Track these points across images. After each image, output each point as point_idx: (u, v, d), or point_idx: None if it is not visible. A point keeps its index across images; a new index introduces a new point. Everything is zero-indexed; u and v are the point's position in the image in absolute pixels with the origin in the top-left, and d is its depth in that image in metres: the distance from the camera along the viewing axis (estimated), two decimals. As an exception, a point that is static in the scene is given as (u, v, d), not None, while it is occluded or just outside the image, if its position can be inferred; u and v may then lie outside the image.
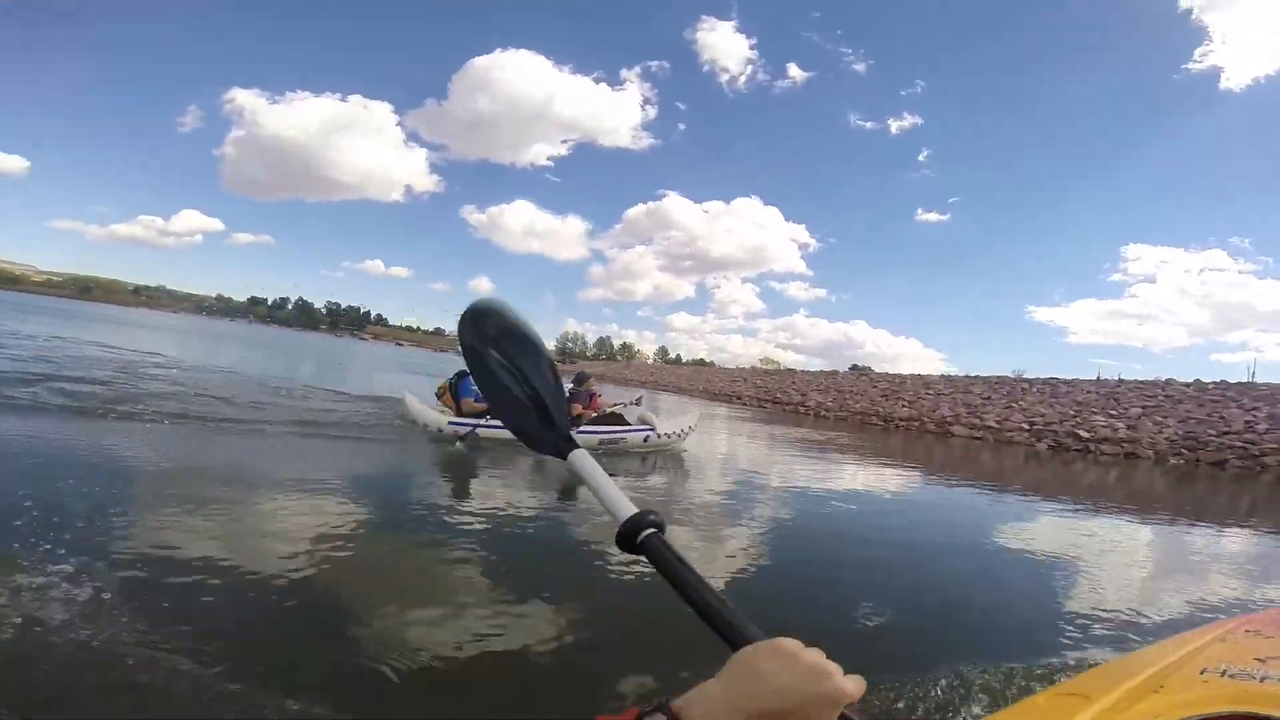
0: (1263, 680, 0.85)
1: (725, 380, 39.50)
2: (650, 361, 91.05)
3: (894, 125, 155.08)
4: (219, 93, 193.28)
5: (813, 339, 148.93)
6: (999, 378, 24.71)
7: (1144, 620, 3.02)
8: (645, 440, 7.03)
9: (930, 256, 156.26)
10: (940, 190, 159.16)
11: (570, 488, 4.87)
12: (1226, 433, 13.71)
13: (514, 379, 0.62)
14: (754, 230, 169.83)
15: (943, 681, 2.00)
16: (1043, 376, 23.14)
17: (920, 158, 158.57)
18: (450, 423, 6.26)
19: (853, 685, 0.38)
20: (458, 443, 5.96)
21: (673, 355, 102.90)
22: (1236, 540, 5.78)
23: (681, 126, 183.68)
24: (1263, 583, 4.14)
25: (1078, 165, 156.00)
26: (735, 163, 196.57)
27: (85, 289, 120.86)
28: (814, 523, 4.68)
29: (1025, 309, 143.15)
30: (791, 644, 0.38)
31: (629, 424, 7.07)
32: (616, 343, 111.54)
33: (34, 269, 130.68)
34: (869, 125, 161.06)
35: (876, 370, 36.53)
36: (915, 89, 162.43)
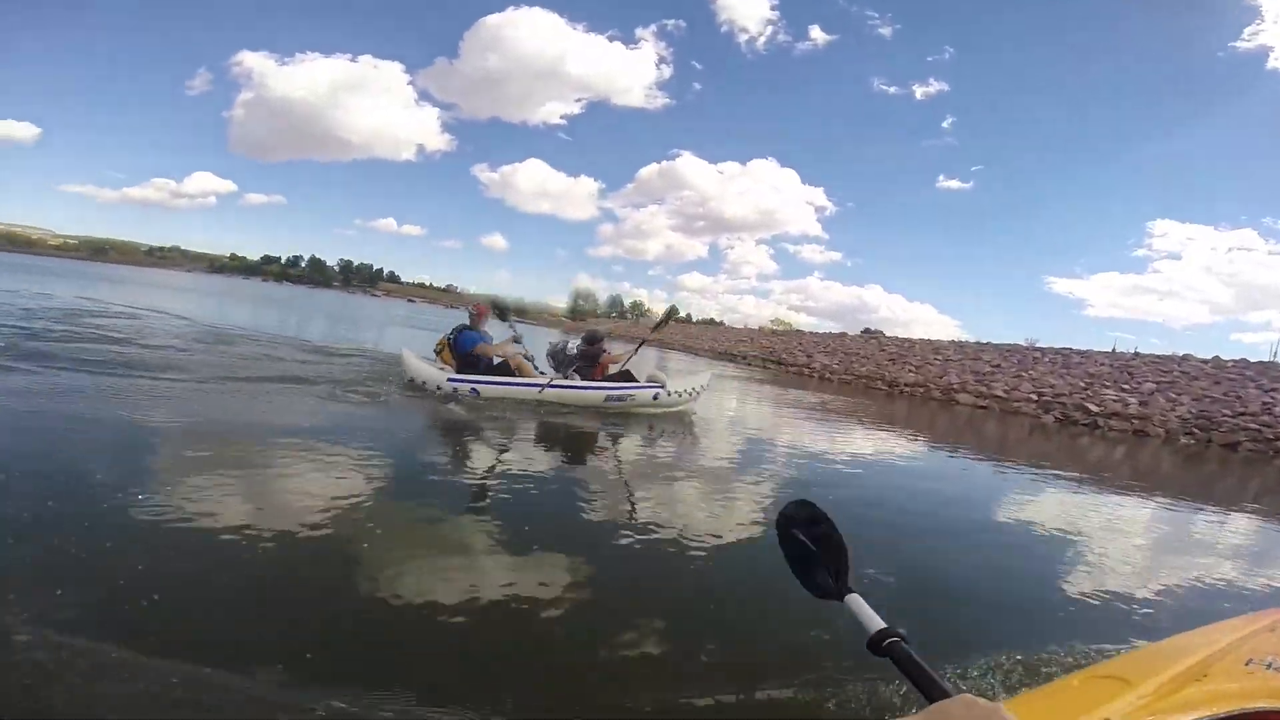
0: None
1: (731, 339, 39.13)
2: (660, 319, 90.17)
3: (919, 91, 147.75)
4: (227, 55, 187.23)
5: (826, 302, 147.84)
6: (1010, 346, 24.16)
7: (1171, 604, 2.91)
8: (654, 399, 6.71)
9: (950, 224, 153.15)
10: (963, 158, 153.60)
11: (576, 448, 4.85)
12: (1242, 413, 13.28)
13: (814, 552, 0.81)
14: (770, 192, 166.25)
15: (968, 665, 1.94)
16: (1056, 346, 22.58)
17: (944, 124, 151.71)
18: (449, 379, 5.98)
19: None
20: (451, 404, 5.70)
21: (683, 314, 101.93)
22: (1259, 527, 5.50)
23: (697, 86, 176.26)
24: None
25: (1109, 139, 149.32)
26: (752, 124, 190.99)
27: (100, 250, 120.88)
28: (818, 493, 4.43)
29: (1044, 279, 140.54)
30: (981, 702, 0.45)
31: (636, 380, 6.76)
32: (627, 300, 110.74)
33: (50, 233, 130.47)
34: (893, 90, 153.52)
35: (888, 335, 35.91)
36: (943, 55, 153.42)
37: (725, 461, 5.24)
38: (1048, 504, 5.25)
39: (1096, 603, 2.84)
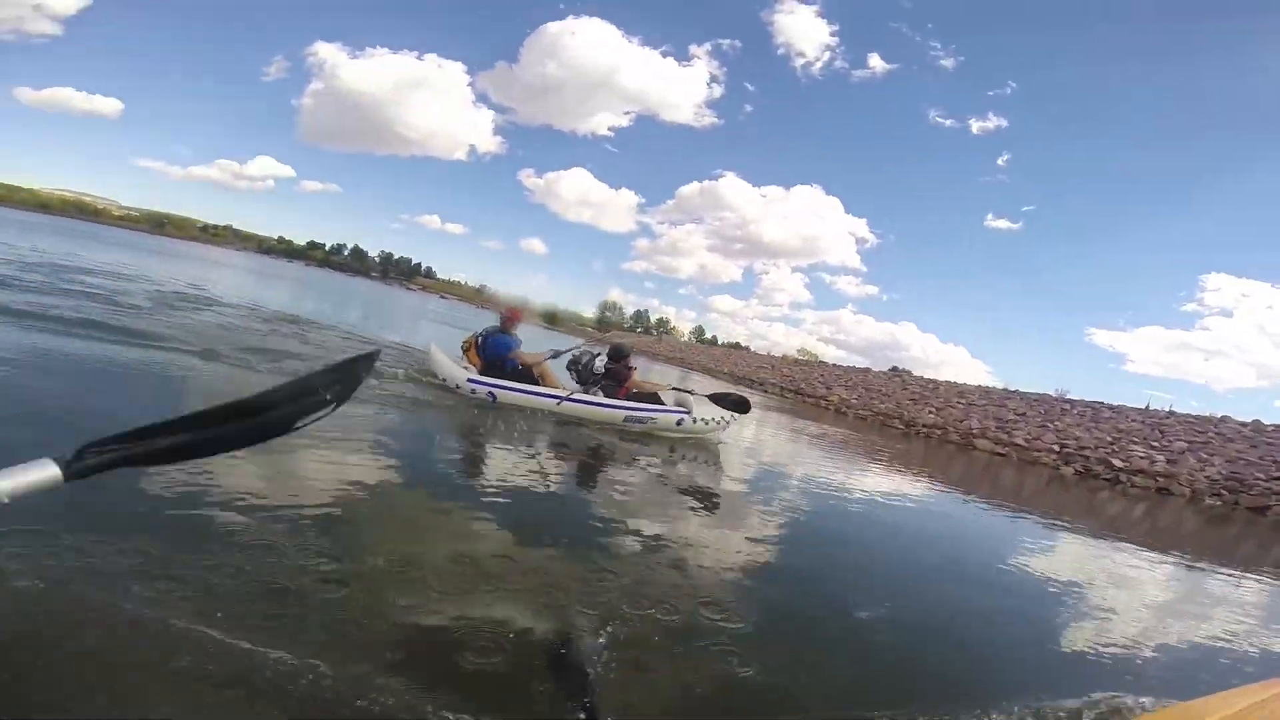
0: None
1: (753, 365, 38.95)
2: (684, 339, 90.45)
3: (975, 125, 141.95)
4: (304, 44, 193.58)
5: (857, 336, 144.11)
6: (1039, 395, 23.47)
7: (1187, 665, 2.89)
8: (678, 424, 6.35)
9: (994, 265, 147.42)
10: (1015, 197, 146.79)
11: (588, 463, 4.73)
12: (1277, 478, 12.63)
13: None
14: (811, 219, 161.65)
15: (980, 712, 1.91)
16: (1086, 399, 21.86)
17: (999, 161, 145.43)
18: (469, 380, 5.85)
19: None
20: (475, 406, 5.68)
21: (709, 335, 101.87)
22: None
23: (748, 108, 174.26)
24: None
25: (1167, 184, 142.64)
26: (800, 149, 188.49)
27: (159, 224, 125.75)
28: (816, 533, 4.26)
29: (1085, 330, 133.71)
30: None
31: (664, 404, 6.44)
32: (654, 317, 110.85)
33: (116, 203, 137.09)
34: (949, 123, 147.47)
35: (915, 374, 35.28)
36: (1004, 90, 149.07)
37: (728, 488, 5.08)
38: (1063, 555, 5.13)
39: (1109, 658, 2.77)
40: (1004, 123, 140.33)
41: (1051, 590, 3.83)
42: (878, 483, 7.27)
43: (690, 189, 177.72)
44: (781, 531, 3.93)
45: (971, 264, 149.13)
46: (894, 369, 39.85)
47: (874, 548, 4.15)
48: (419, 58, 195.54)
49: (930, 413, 20.12)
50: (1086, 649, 2.83)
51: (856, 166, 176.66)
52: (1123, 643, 3.00)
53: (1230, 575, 5.61)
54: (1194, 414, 19.20)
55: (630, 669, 1.83)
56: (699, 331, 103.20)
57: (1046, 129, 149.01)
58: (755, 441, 8.84)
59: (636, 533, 3.17)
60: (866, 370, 35.54)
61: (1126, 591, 4.19)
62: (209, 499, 2.37)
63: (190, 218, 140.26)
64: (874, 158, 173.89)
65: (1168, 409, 20.06)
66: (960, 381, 29.00)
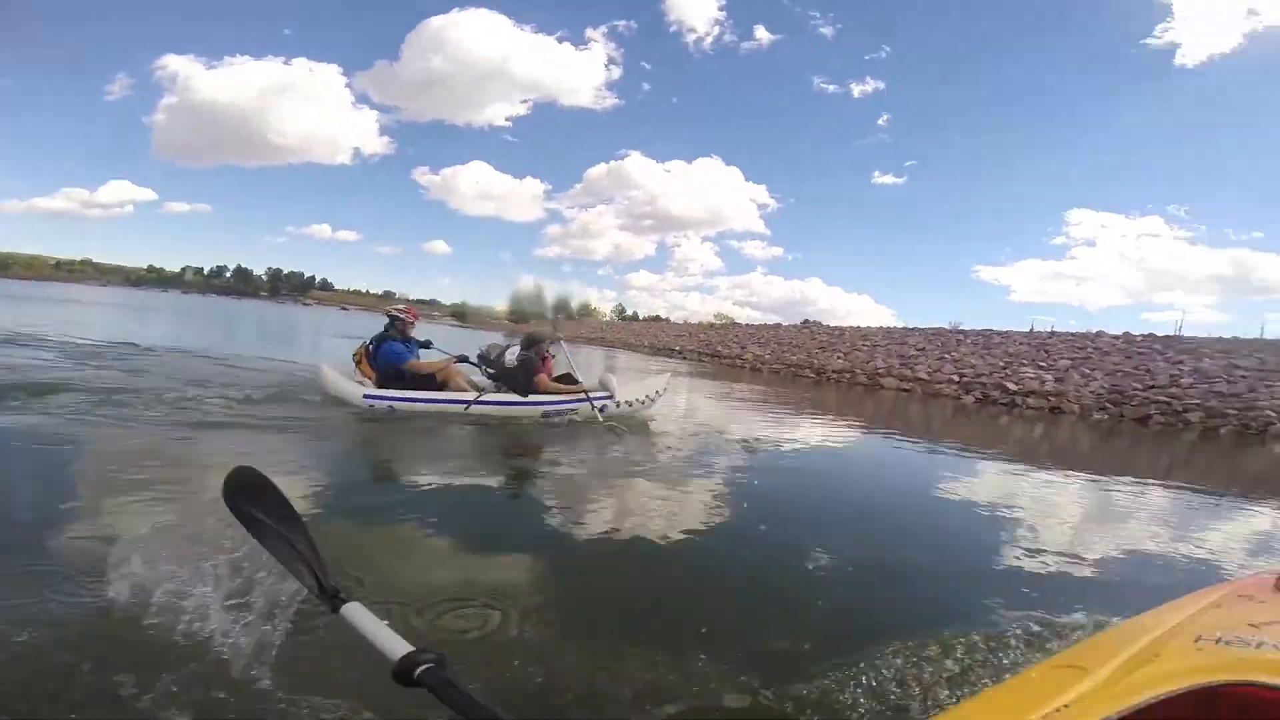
0: (1259, 647, 0.85)
1: (671, 335, 38.94)
2: (606, 319, 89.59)
3: (856, 89, 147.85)
4: (150, 59, 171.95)
5: (768, 296, 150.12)
6: (935, 329, 24.36)
7: (1118, 581, 2.95)
8: (601, 410, 5.74)
9: (885, 217, 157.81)
10: (898, 154, 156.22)
11: (509, 467, 4.41)
12: (1152, 386, 13.40)
13: (282, 538, 0.70)
14: (715, 190, 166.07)
15: (925, 644, 1.88)
16: (978, 328, 22.85)
17: (880, 121, 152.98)
18: (365, 396, 5.26)
19: None
20: (373, 420, 5.09)
21: (630, 312, 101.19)
22: (1189, 501, 5.24)
23: (646, 86, 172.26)
24: (1235, 546, 3.89)
25: (1031, 133, 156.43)
26: (698, 123, 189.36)
27: (3, 265, 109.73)
28: (742, 486, 4.17)
29: (972, 268, 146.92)
30: None
31: (583, 389, 5.82)
32: (575, 302, 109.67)
33: None
34: (832, 89, 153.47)
35: (827, 325, 36.20)
36: (880, 54, 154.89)
37: (662, 461, 4.73)
38: (981, 484, 5.22)
39: (1045, 579, 2.80)
40: (881, 85, 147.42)
41: (977, 519, 3.91)
42: (801, 433, 7.26)
43: (597, 171, 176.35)
44: (716, 494, 3.82)
45: (864, 218, 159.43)
46: (805, 322, 40.82)
47: (806, 498, 4.18)
48: (286, 63, 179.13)
49: (838, 358, 20.38)
50: (1022, 572, 2.89)
51: (751, 135, 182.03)
52: (1056, 564, 3.04)
53: (1134, 487, 5.53)
54: (1073, 332, 20.45)
55: (588, 656, 1.76)
56: (619, 309, 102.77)
57: (920, 88, 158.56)
58: (683, 410, 8.45)
59: (576, 523, 3.04)
60: (778, 326, 36.19)
61: (1047, 513, 4.22)
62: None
63: (40, 255, 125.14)
64: (767, 126, 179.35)
65: (1049, 330, 21.28)
66: (864, 326, 29.87)
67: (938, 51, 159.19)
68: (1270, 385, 12.56)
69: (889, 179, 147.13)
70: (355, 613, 0.61)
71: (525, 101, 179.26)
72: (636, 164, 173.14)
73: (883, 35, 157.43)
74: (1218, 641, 0.89)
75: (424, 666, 0.53)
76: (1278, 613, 1.08)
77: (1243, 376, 13.35)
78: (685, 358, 26.32)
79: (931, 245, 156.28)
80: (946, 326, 24.47)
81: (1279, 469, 8.33)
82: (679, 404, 9.42)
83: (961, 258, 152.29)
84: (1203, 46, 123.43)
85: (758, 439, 6.28)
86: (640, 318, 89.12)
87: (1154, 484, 5.72)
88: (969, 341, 20.46)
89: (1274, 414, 11.34)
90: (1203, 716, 0.79)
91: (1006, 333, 21.33)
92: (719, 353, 26.30)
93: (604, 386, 5.93)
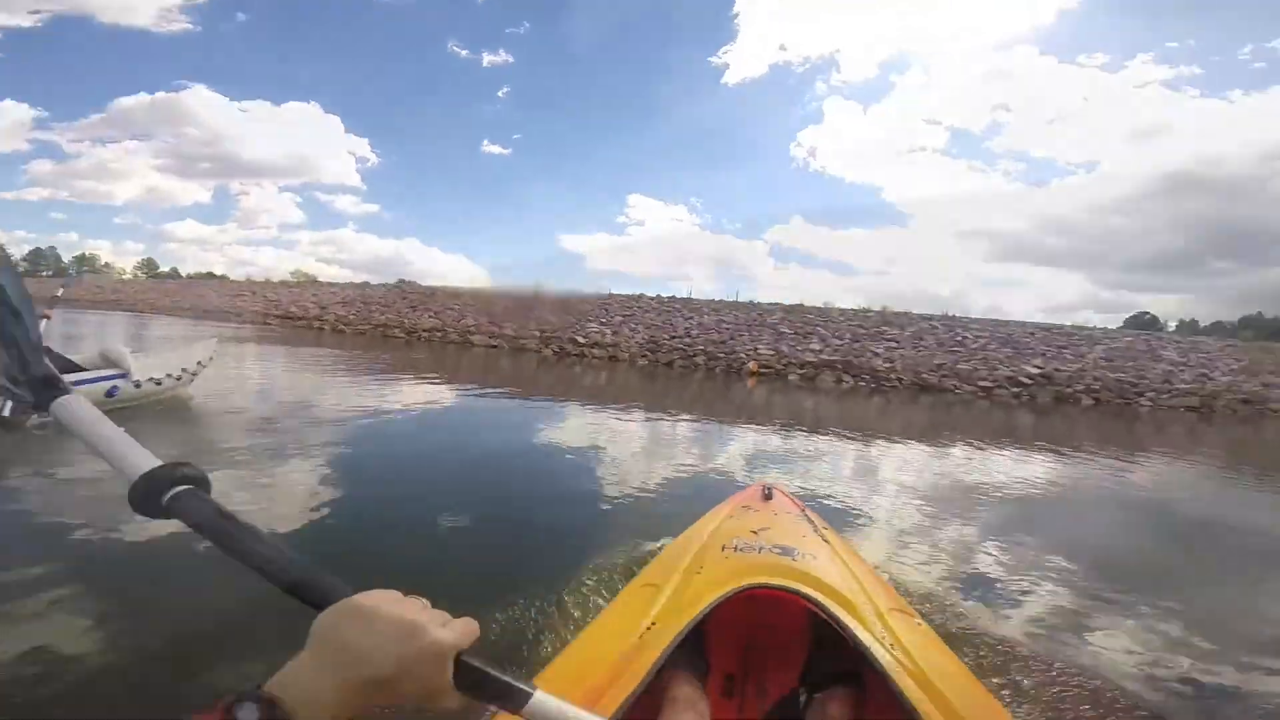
0: (760, 551, 1.07)
1: (227, 295, 31.29)
2: (126, 276, 65.98)
3: (487, 59, 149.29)
4: None
5: (361, 254, 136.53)
6: (520, 290, 26.09)
7: (681, 496, 3.46)
8: (110, 395, 4.30)
9: (488, 184, 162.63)
10: (509, 126, 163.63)
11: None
12: (674, 337, 17.19)
13: None
14: (306, 138, 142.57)
15: (544, 590, 1.95)
16: (559, 291, 25.41)
17: (500, 94, 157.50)
18: None
19: (454, 634, 0.34)
20: None
21: (166, 269, 76.95)
22: (705, 428, 6.61)
23: (241, 16, 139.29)
24: (735, 463, 4.79)
25: (612, 124, 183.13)
26: (300, 66, 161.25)
27: None
28: (355, 455, 3.97)
29: (557, 236, 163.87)
30: (371, 600, 0.33)
31: (80, 369, 4.29)
32: (68, 255, 77.24)
33: None
34: (464, 54, 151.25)
35: (421, 285, 34.74)
36: (520, 29, 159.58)
37: (223, 450, 3.81)
38: (569, 429, 5.71)
39: (627, 505, 3.28)
40: (511, 59, 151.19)
41: (572, 465, 4.26)
42: (397, 395, 6.92)
43: (134, 101, 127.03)
44: (321, 475, 3.39)
45: (470, 184, 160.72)
46: (400, 281, 38.67)
47: (420, 459, 4.09)
48: None
49: (430, 317, 19.82)
50: (608, 502, 3.33)
51: (367, 88, 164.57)
52: (633, 492, 3.51)
53: (669, 421, 6.79)
54: (627, 294, 24.66)
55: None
56: (149, 265, 77.49)
57: (542, 66, 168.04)
58: (235, 386, 6.65)
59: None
60: (365, 285, 33.11)
61: (619, 453, 4.70)
62: None
63: None
64: (389, 79, 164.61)
65: (608, 292, 25.20)
66: (457, 286, 29.90)
67: (567, 38, 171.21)
68: (741, 336, 17.64)
69: (497, 149, 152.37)
70: (75, 408, 0.40)
71: (37, 12, 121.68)
72: (200, 98, 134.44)
73: (528, 10, 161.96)
74: (736, 549, 1.09)
75: (180, 487, 0.38)
76: (766, 520, 1.35)
77: (726, 328, 18.38)
78: (248, 321, 21.84)
79: (526, 213, 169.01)
80: (531, 287, 26.46)
81: (752, 399, 11.50)
82: (246, 375, 7.74)
83: (549, 226, 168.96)
84: (744, 69, 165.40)
85: (351, 404, 5.84)
86: (183, 275, 68.95)
87: (685, 418, 7.09)
88: (549, 303, 22.59)
89: (744, 356, 15.96)
90: (745, 612, 1.09)
91: (578, 294, 24.35)
92: (291, 314, 22.69)
93: (109, 361, 4.43)
